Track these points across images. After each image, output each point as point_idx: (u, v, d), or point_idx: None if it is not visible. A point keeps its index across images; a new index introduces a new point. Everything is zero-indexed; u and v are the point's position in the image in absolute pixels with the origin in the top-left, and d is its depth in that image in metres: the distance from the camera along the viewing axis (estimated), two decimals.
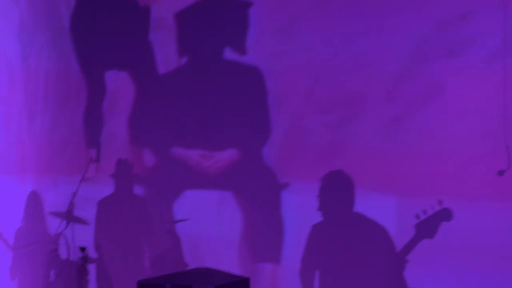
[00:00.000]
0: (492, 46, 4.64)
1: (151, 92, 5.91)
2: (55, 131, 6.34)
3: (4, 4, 6.51)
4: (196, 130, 5.67)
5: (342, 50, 5.11)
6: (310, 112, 5.23)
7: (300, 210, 5.23)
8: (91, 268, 6.04)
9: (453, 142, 4.75)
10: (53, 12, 6.32)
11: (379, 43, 4.98)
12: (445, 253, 4.73)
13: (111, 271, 6.02)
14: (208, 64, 5.66)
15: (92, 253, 6.04)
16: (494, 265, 4.61)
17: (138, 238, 5.94)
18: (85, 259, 5.98)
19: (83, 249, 5.98)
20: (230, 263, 5.36)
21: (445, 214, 4.75)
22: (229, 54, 5.58)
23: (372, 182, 4.98)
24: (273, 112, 5.38)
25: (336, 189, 5.10)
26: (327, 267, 5.14)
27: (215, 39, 5.61)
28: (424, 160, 4.82)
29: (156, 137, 5.84)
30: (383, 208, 4.95)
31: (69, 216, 6.05)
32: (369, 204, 5.00)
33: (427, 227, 4.76)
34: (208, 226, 5.60)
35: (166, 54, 5.83)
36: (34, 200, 6.38)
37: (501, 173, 4.59)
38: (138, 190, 5.96)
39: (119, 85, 6.04)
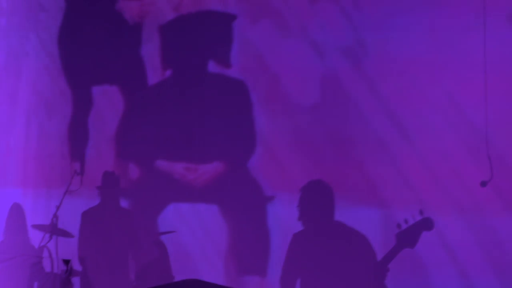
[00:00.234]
0: (474, 59, 4.69)
1: (136, 105, 5.91)
2: (38, 143, 6.31)
3: None
4: (181, 143, 5.67)
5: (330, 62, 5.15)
6: (296, 125, 5.26)
7: (286, 222, 5.23)
8: (76, 281, 6.01)
9: (436, 153, 4.77)
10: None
11: (373, 52, 5.01)
12: (427, 263, 4.76)
13: (96, 284, 5.99)
14: (193, 77, 5.67)
15: (76, 265, 6.02)
16: (475, 275, 4.64)
17: (123, 250, 5.93)
18: (69, 272, 5.95)
19: (67, 262, 5.95)
20: (217, 276, 5.35)
21: (426, 224, 4.76)
22: (213, 67, 5.59)
23: (354, 192, 5.00)
24: (258, 125, 5.40)
25: (316, 198, 5.11)
26: (308, 275, 5.15)
27: (200, 52, 5.62)
28: (406, 170, 4.84)
29: (141, 150, 5.83)
30: (364, 217, 4.96)
31: (53, 229, 6.03)
32: (351, 213, 5.00)
33: (408, 237, 4.78)
34: (194, 239, 5.59)
35: (152, 68, 5.84)
36: (17, 212, 6.35)
37: (483, 184, 4.61)
38: (123, 202, 5.95)
39: (105, 98, 6.03)
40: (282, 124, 5.30)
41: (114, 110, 5.98)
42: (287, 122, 5.29)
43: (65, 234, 6.04)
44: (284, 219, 5.26)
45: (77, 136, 6.11)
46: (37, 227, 6.14)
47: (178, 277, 5.58)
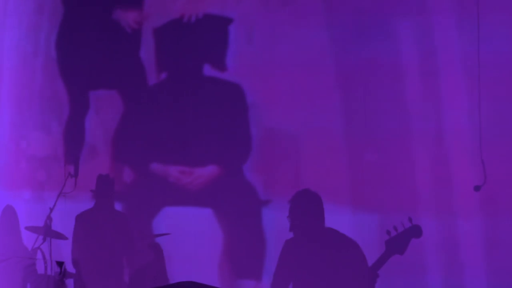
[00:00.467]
0: (467, 63, 4.70)
1: (132, 108, 5.91)
2: (33, 145, 6.30)
3: None
4: (176, 147, 5.67)
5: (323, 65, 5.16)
6: (291, 129, 5.27)
7: (282, 226, 5.22)
8: (69, 283, 6.00)
9: (429, 158, 4.79)
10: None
11: (364, 59, 5.03)
12: (417, 269, 4.78)
13: (90, 286, 5.99)
14: (188, 80, 5.67)
15: (70, 268, 6.01)
16: (469, 280, 4.66)
17: (117, 253, 5.92)
18: (63, 274, 5.94)
19: (60, 264, 5.94)
20: (212, 280, 5.35)
21: (415, 231, 4.78)
22: (209, 70, 5.59)
23: (345, 198, 5.01)
24: (254, 128, 5.40)
25: (306, 206, 5.11)
26: (299, 282, 5.15)
27: (195, 55, 5.62)
28: (399, 175, 4.85)
29: (136, 153, 5.83)
30: (355, 224, 4.98)
31: (47, 231, 6.02)
32: (341, 220, 5.01)
33: (397, 244, 4.80)
34: (189, 242, 5.59)
35: (148, 71, 5.83)
36: (10, 214, 6.33)
37: (477, 188, 4.63)
38: (118, 205, 5.94)
39: (100, 101, 6.02)
40: (277, 128, 5.32)
41: (110, 113, 5.97)
42: (282, 126, 5.30)
43: (59, 236, 6.03)
44: (279, 223, 5.26)
45: (72, 138, 6.10)
46: (31, 229, 6.13)
47: (172, 280, 5.58)
